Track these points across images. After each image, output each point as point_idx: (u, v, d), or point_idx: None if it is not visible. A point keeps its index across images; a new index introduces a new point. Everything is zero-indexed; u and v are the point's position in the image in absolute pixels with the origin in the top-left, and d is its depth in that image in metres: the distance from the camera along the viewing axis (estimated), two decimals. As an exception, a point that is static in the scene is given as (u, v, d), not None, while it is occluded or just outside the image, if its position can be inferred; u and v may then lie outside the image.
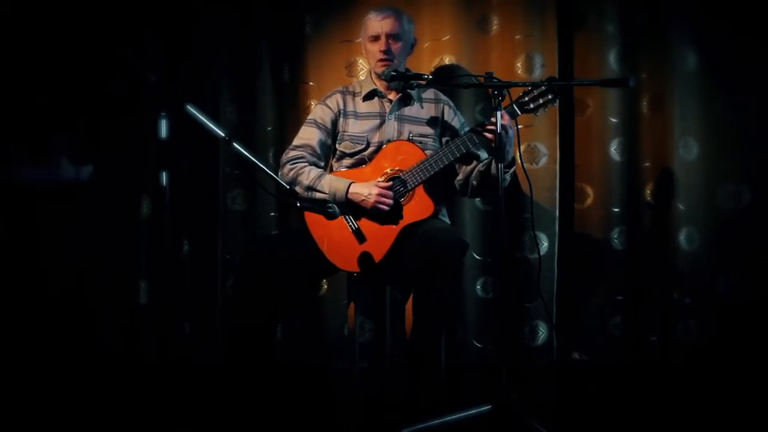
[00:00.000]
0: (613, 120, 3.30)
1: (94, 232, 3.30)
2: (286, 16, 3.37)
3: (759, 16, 3.15)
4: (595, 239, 3.32)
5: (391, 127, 2.88)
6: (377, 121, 2.90)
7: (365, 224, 2.75)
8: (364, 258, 2.72)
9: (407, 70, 2.86)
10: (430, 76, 2.74)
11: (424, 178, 2.72)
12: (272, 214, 3.39)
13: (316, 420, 2.72)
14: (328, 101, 2.94)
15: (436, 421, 2.44)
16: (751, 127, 3.22)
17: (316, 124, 2.91)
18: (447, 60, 3.32)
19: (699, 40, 3.24)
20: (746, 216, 3.23)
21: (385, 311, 2.93)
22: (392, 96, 2.92)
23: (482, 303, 3.34)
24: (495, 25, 3.33)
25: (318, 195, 2.77)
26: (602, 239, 3.31)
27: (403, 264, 2.70)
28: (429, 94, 2.97)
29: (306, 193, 2.79)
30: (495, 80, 2.51)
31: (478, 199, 3.30)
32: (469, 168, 2.86)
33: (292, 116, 3.37)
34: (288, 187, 2.44)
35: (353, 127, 2.90)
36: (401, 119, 2.89)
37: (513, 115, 2.64)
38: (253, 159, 2.29)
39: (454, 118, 2.95)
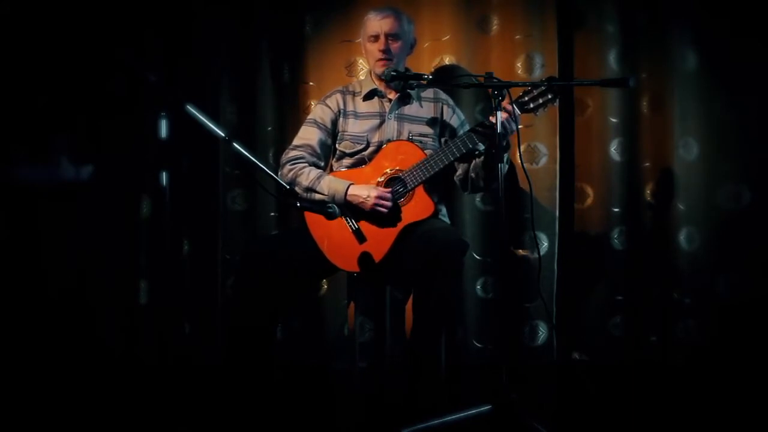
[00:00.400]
0: (613, 120, 3.30)
1: (94, 232, 3.30)
2: (286, 16, 3.37)
3: (759, 16, 3.15)
4: (595, 239, 3.32)
5: (391, 127, 2.88)
6: (377, 121, 2.90)
7: (365, 224, 2.74)
8: (364, 258, 2.72)
9: (407, 69, 2.87)
10: (430, 76, 2.74)
11: (424, 178, 2.72)
12: (272, 214, 3.39)
13: (316, 420, 2.72)
14: (328, 101, 2.94)
15: (436, 421, 2.44)
16: (751, 127, 3.22)
17: (316, 124, 2.91)
18: (447, 60, 3.32)
19: (699, 40, 3.24)
20: (746, 216, 3.23)
21: (385, 311, 2.93)
22: (392, 95, 2.92)
23: (482, 303, 3.34)
24: (495, 25, 3.33)
25: (317, 196, 2.77)
26: (602, 239, 3.31)
27: (403, 264, 2.70)
28: (428, 93, 2.97)
29: (305, 194, 2.79)
30: (495, 80, 2.51)
31: (478, 199, 3.30)
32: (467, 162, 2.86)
33: (292, 116, 3.37)
34: (288, 187, 2.45)
35: (353, 127, 2.90)
36: (401, 118, 2.89)
37: (517, 111, 2.63)
38: (253, 159, 2.29)
39: (453, 116, 2.95)
